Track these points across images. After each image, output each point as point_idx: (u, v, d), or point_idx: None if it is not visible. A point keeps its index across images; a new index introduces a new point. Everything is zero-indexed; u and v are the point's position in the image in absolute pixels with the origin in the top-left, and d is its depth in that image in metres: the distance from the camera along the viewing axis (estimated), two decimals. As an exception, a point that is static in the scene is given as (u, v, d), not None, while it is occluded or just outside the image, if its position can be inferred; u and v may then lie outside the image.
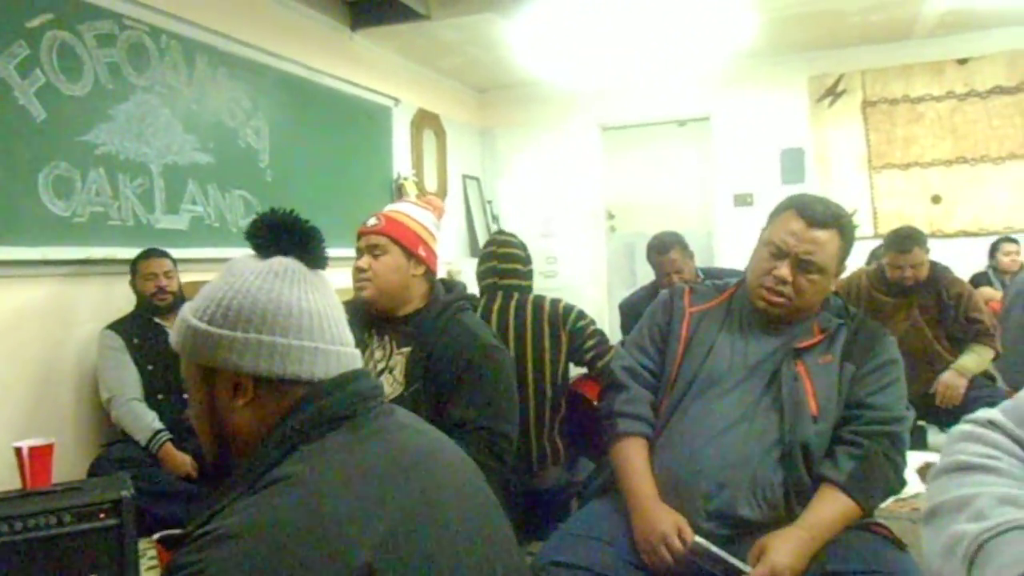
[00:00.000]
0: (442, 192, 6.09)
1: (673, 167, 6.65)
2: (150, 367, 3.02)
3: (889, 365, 1.60)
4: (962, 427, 0.92)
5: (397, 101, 5.47)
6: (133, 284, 3.14)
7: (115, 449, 2.89)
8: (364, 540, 0.78)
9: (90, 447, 3.09)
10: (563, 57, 5.66)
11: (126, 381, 2.97)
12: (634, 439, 1.63)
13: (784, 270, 1.59)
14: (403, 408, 1.03)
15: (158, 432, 2.90)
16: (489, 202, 6.77)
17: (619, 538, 1.53)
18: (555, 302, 2.65)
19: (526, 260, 2.73)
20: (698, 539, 1.44)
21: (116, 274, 3.23)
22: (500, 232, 2.81)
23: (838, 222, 1.61)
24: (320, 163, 4.64)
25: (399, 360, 1.91)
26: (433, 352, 1.88)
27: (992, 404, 3.00)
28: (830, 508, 1.48)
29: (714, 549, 1.43)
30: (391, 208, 2.05)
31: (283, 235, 0.98)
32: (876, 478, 1.52)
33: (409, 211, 2.02)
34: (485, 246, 2.79)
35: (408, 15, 4.70)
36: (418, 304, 1.97)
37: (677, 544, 1.45)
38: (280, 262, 0.96)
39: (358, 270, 1.93)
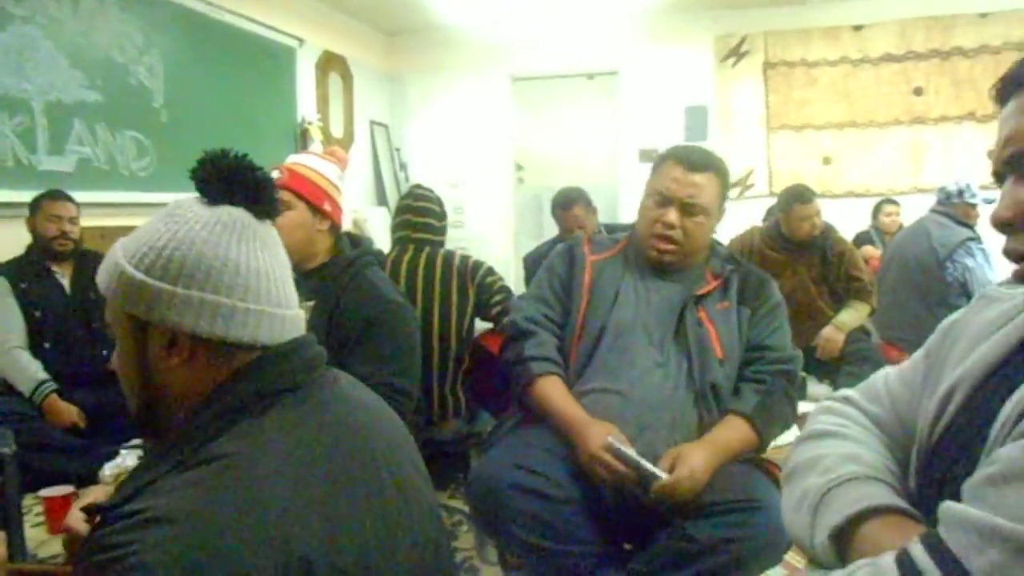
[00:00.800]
0: (349, 139, 5.95)
1: (582, 121, 6.70)
2: (37, 313, 2.89)
3: (778, 308, 1.77)
4: (824, 402, 1.03)
5: (302, 41, 5.28)
6: (31, 224, 2.97)
7: (-2, 401, 2.77)
8: (302, 532, 0.76)
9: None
10: (476, 3, 5.57)
11: (10, 328, 2.84)
12: (550, 377, 1.69)
13: (672, 215, 1.69)
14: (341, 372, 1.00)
15: (42, 383, 2.79)
16: (397, 150, 6.66)
17: (559, 449, 1.60)
18: (465, 257, 2.69)
19: (440, 216, 2.73)
20: (612, 439, 1.53)
21: (-5, 218, 3.06)
22: (417, 186, 2.80)
23: (715, 165, 1.73)
24: (220, 105, 4.45)
25: (302, 313, 1.90)
26: (337, 307, 1.87)
27: (866, 358, 3.26)
28: (734, 432, 1.62)
29: (627, 450, 1.52)
30: (293, 160, 1.99)
31: (232, 182, 0.89)
32: (776, 412, 1.67)
33: (313, 164, 1.97)
34: (401, 199, 2.79)
35: (314, -49, 4.51)
36: (323, 259, 1.96)
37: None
38: (229, 213, 0.88)
39: None
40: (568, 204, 3.56)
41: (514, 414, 1.79)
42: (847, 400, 1.00)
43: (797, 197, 3.75)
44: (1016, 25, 5.73)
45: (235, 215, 0.88)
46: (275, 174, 1.90)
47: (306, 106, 5.39)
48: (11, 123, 3.15)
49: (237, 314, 0.84)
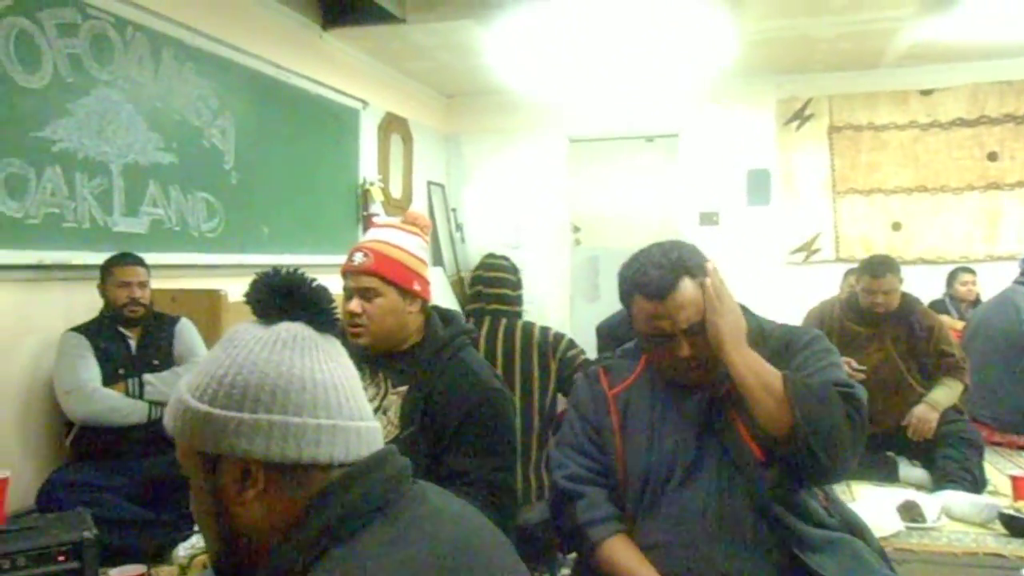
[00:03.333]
0: (407, 199, 5.95)
1: (640, 182, 6.63)
2: (107, 377, 2.84)
3: (815, 342, 1.53)
4: None
5: (365, 104, 5.32)
6: (102, 289, 2.93)
7: (67, 472, 2.69)
8: None
9: (39, 471, 2.87)
10: (534, 67, 5.58)
11: (92, 375, 2.78)
12: (615, 539, 1.50)
13: (683, 350, 1.47)
14: (406, 457, 0.91)
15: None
16: (454, 210, 6.65)
17: None
18: (545, 329, 2.56)
19: (516, 284, 2.62)
20: None
21: (71, 280, 3.03)
22: (491, 255, 2.70)
23: (684, 270, 1.47)
24: (286, 165, 4.47)
25: (394, 400, 1.77)
26: (432, 394, 1.75)
27: (963, 438, 3.01)
28: (763, 367, 1.43)
29: None
30: (376, 238, 1.85)
31: (287, 297, 0.87)
32: (818, 397, 1.40)
33: (398, 240, 1.83)
34: (475, 269, 2.69)
35: (383, 17, 4.56)
36: (414, 339, 1.82)
37: None
38: (287, 329, 0.85)
39: (350, 314, 1.77)
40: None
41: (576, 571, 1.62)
42: None
43: (869, 269, 3.58)
44: (1093, 90, 5.57)
45: (293, 330, 0.85)
46: (360, 256, 1.77)
47: (367, 167, 5.40)
48: (90, 185, 3.15)
49: (308, 432, 0.79)
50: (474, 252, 6.47)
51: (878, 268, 3.53)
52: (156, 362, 2.93)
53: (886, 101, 5.91)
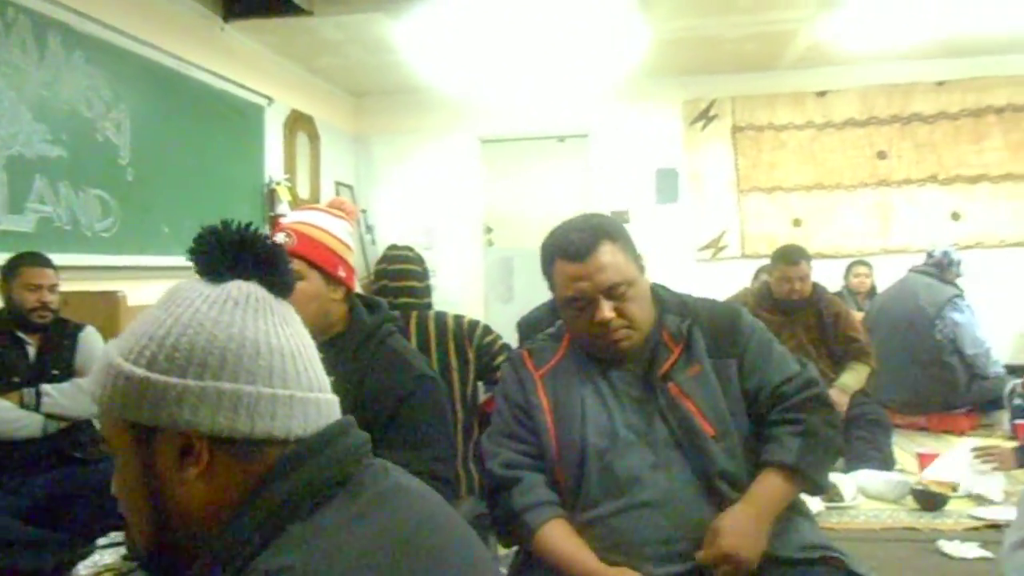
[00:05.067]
0: (314, 199, 5.77)
1: (551, 182, 6.66)
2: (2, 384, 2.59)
3: (762, 336, 1.55)
4: None
5: (270, 100, 5.12)
6: (6, 289, 2.68)
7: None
8: None
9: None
10: (446, 66, 5.52)
11: None
12: (552, 524, 1.47)
13: (603, 311, 1.45)
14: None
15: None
16: (364, 211, 6.50)
17: None
18: (458, 318, 2.47)
19: (422, 275, 2.53)
20: None
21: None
22: (393, 247, 2.59)
23: (605, 233, 1.47)
24: (187, 162, 4.24)
25: (335, 397, 1.67)
26: (361, 384, 1.65)
27: (872, 420, 3.13)
28: (776, 485, 1.43)
29: None
30: (300, 220, 1.74)
31: (239, 254, 0.77)
32: (826, 449, 1.47)
33: (323, 223, 1.72)
34: (377, 263, 2.57)
35: (288, 9, 4.39)
36: (338, 328, 1.72)
37: None
38: (239, 288, 0.75)
39: None
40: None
41: (514, 569, 1.57)
42: None
43: (783, 257, 3.71)
44: (971, 93, 5.94)
45: (246, 290, 0.76)
46: (281, 237, 1.65)
47: (273, 165, 5.21)
48: (-32, 179, 2.89)
49: (262, 403, 0.71)
50: (385, 255, 6.33)
51: (792, 255, 3.66)
52: (56, 372, 2.69)
53: (785, 102, 6.14)
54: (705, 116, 6.22)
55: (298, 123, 5.59)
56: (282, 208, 5.01)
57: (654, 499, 1.44)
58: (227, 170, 4.64)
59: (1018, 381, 4.35)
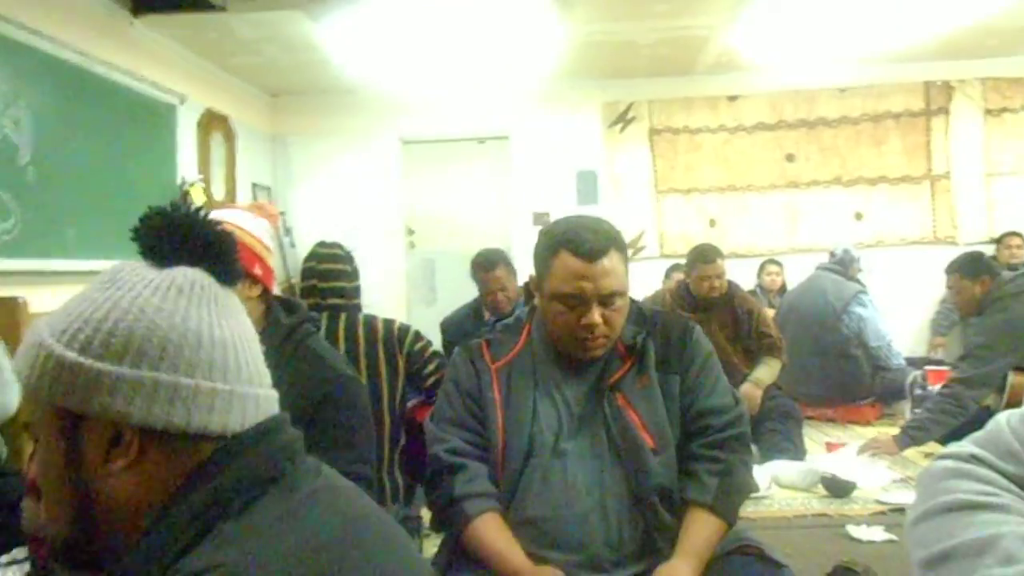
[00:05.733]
0: (231, 201, 5.61)
1: (473, 184, 6.66)
2: None
3: (709, 359, 1.59)
4: (945, 463, 0.88)
5: (183, 98, 4.96)
6: None
7: None
8: None
9: None
10: (366, 66, 5.46)
11: None
12: (488, 516, 1.48)
13: (593, 315, 1.47)
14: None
15: None
16: (282, 214, 6.36)
17: None
18: (388, 322, 2.44)
19: (352, 274, 2.47)
20: None
21: None
22: (322, 244, 2.52)
23: (612, 239, 1.51)
24: (95, 162, 4.06)
25: (275, 393, 1.63)
26: (279, 385, 1.62)
27: (784, 412, 3.26)
28: (705, 530, 1.47)
29: None
30: (218, 216, 1.74)
31: (186, 239, 0.75)
32: (739, 491, 1.54)
33: (241, 221, 1.69)
34: (305, 260, 2.49)
35: (200, 4, 4.26)
36: (256, 328, 1.70)
37: None
38: (184, 274, 0.73)
39: None
40: (490, 265, 3.44)
41: (442, 556, 1.58)
42: (975, 459, 0.86)
43: (700, 256, 3.83)
44: (871, 98, 6.25)
45: (192, 277, 0.73)
46: None
47: (187, 166, 5.04)
48: None
49: (201, 396, 0.69)
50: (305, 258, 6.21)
51: (709, 254, 3.78)
52: None
53: (699, 106, 6.32)
54: (623, 119, 6.34)
55: (213, 123, 5.43)
56: (210, 214, 4.86)
57: (587, 508, 1.47)
58: (137, 170, 4.46)
59: (919, 372, 4.60)
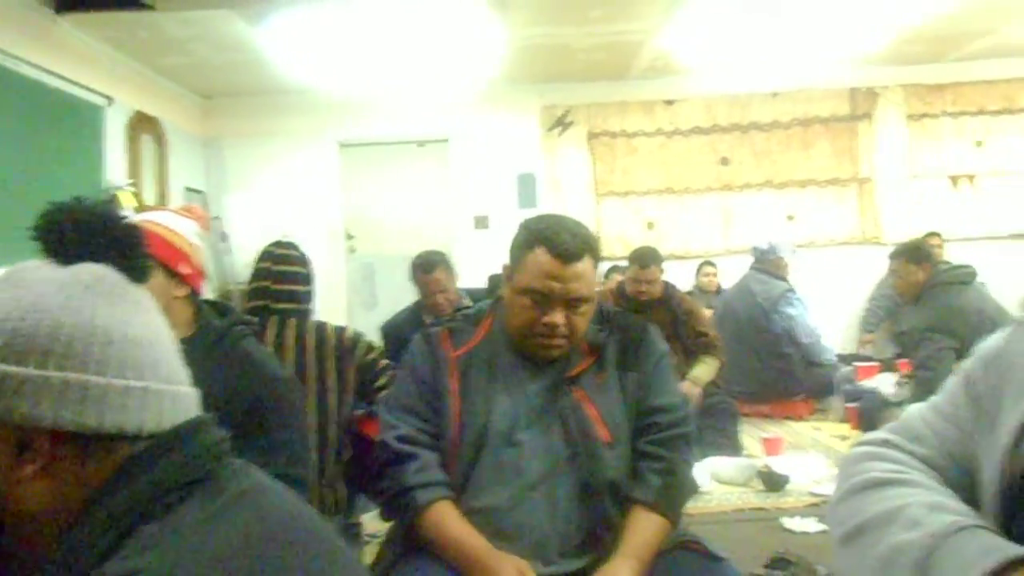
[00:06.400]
0: (162, 207, 5.46)
1: (413, 188, 6.63)
2: None
3: (663, 359, 1.63)
4: (861, 449, 0.94)
5: (110, 100, 4.81)
6: None
7: None
8: None
9: None
10: (302, 67, 5.39)
11: None
12: (442, 504, 1.48)
13: (556, 316, 1.48)
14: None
15: None
16: (217, 219, 6.21)
17: None
18: (340, 330, 2.37)
19: (307, 278, 2.40)
20: None
21: None
22: (278, 243, 2.44)
23: (590, 248, 1.52)
24: (16, 165, 3.91)
25: (194, 391, 1.59)
26: (211, 390, 1.58)
27: (722, 409, 3.37)
28: (648, 529, 1.48)
29: None
30: (144, 218, 1.70)
31: (92, 234, 0.72)
32: (682, 490, 1.56)
33: (166, 221, 1.68)
34: (258, 260, 2.40)
35: (128, 2, 4.14)
36: (184, 332, 1.64)
37: None
38: (90, 271, 0.70)
39: None
40: (430, 268, 3.42)
41: (393, 546, 1.56)
42: (888, 443, 0.92)
43: (637, 260, 3.89)
44: (801, 103, 6.44)
45: (99, 273, 0.71)
46: None
47: (115, 170, 4.89)
48: None
49: (112, 395, 0.66)
50: (242, 264, 6.08)
51: (644, 259, 3.84)
52: None
53: (636, 110, 6.41)
54: (562, 123, 6.39)
55: (142, 125, 5.27)
56: (136, 216, 4.72)
57: (537, 499, 1.48)
58: (61, 175, 4.31)
59: (849, 368, 4.76)
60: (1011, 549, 0.69)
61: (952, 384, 0.92)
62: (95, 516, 0.64)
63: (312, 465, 2.14)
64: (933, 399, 0.95)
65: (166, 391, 0.71)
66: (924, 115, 6.42)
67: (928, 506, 0.79)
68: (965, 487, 0.85)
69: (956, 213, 6.23)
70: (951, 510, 0.78)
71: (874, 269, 6.22)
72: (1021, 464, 0.78)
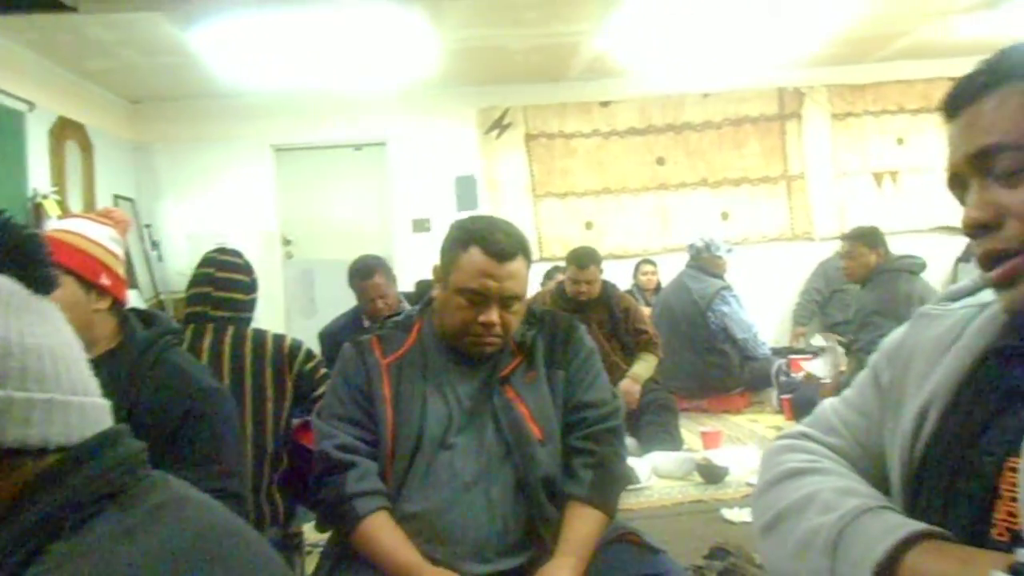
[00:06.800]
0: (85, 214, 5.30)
1: (351, 192, 6.57)
2: None
3: (591, 356, 1.66)
4: (780, 442, 0.99)
5: (32, 105, 4.64)
6: None
7: None
8: None
9: None
10: (234, 71, 5.29)
11: None
12: (379, 515, 1.48)
13: (491, 315, 1.51)
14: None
15: None
16: (147, 226, 6.05)
17: None
18: (279, 338, 2.33)
19: (250, 286, 2.35)
20: None
21: None
22: (222, 250, 2.39)
23: (523, 248, 1.57)
24: (-70, 175, 3.75)
25: (106, 403, 1.54)
26: (137, 403, 1.54)
27: (662, 405, 3.45)
28: (585, 524, 1.51)
29: None
30: (56, 227, 1.64)
31: None
32: (614, 481, 1.59)
33: (81, 228, 1.61)
34: (201, 265, 2.35)
35: (48, 4, 3.99)
36: (108, 344, 1.59)
37: None
38: None
39: None
40: (368, 273, 3.40)
41: (330, 555, 1.57)
42: (804, 436, 0.97)
43: (575, 260, 3.94)
44: (732, 103, 6.59)
45: None
46: None
47: (39, 178, 4.72)
48: None
49: (15, 408, 0.64)
50: (174, 272, 5.95)
51: (582, 260, 3.89)
52: None
53: (573, 111, 6.47)
54: (499, 125, 6.41)
55: (67, 131, 5.10)
56: (51, 225, 4.56)
57: (472, 500, 1.49)
58: (-19, 183, 4.16)
59: (783, 361, 4.90)
60: (912, 526, 0.74)
61: (861, 377, 0.98)
62: (1, 536, 0.63)
63: (248, 475, 2.11)
64: (844, 392, 1.00)
65: (73, 403, 0.69)
66: (848, 114, 6.63)
67: (839, 491, 0.84)
68: (875, 473, 0.90)
69: (881, 209, 6.44)
70: (860, 494, 0.83)
71: (805, 264, 6.42)
72: (921, 449, 0.83)
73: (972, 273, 0.91)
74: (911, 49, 6.11)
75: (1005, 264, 0.74)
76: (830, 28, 5.31)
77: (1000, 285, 0.76)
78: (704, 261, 5.11)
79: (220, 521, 0.74)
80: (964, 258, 5.99)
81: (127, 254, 5.29)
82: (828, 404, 1.01)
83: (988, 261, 0.76)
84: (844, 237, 4.20)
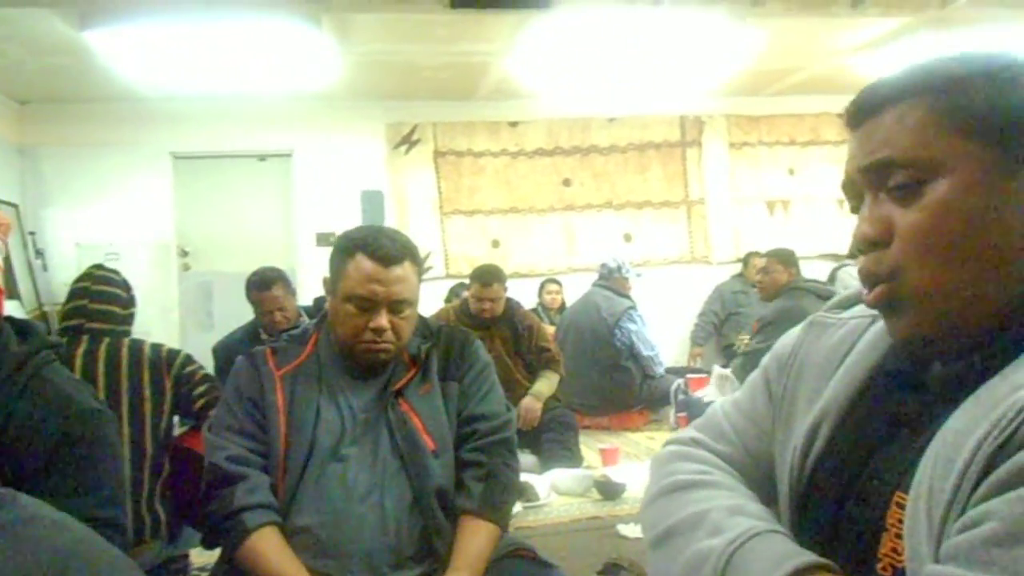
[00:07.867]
0: (-34, 218, 4.97)
1: (254, 203, 6.41)
2: None
3: (485, 370, 1.69)
4: (670, 448, 0.98)
5: (-97, 102, 4.34)
6: None
7: None
8: None
9: None
10: (133, 74, 5.08)
11: None
12: (267, 530, 1.46)
13: (381, 319, 1.52)
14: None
15: None
16: (32, 234, 5.73)
17: None
18: (156, 346, 2.36)
19: (127, 302, 2.39)
20: None
21: None
22: (99, 267, 2.44)
23: (409, 252, 1.59)
24: None
25: None
26: (8, 424, 1.45)
27: (562, 422, 3.52)
28: (477, 538, 1.52)
29: None
30: None
31: None
32: (504, 492, 1.61)
33: None
34: (76, 281, 2.38)
35: (-74, -3, 3.77)
36: None
37: None
38: None
39: None
40: (266, 285, 3.32)
41: (219, 569, 1.54)
42: (696, 442, 0.96)
43: (479, 278, 3.96)
44: (636, 128, 6.79)
45: None
46: None
47: (-91, 179, 4.41)
48: None
49: None
50: (59, 282, 5.63)
51: (486, 277, 3.91)
52: None
53: (482, 130, 6.52)
54: (408, 140, 6.40)
55: (-58, 130, 4.80)
56: (-78, 228, 4.25)
57: (365, 512, 1.48)
58: None
59: (681, 380, 5.04)
60: (800, 557, 0.73)
61: (753, 380, 0.98)
62: None
63: (127, 481, 2.04)
64: (736, 394, 1.00)
65: None
66: (744, 143, 6.93)
67: (729, 510, 0.83)
68: (765, 483, 0.91)
69: (773, 235, 6.73)
70: (750, 514, 0.82)
71: (703, 287, 6.64)
72: (811, 465, 0.83)
73: (853, 275, 0.91)
74: (803, 84, 6.44)
75: (876, 289, 0.74)
76: (731, 62, 5.55)
77: (879, 309, 0.76)
78: (615, 281, 5.23)
79: (68, 544, 0.70)
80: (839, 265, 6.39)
81: (7, 261, 5.01)
82: (719, 406, 1.01)
83: (866, 280, 0.76)
84: (764, 255, 4.51)
